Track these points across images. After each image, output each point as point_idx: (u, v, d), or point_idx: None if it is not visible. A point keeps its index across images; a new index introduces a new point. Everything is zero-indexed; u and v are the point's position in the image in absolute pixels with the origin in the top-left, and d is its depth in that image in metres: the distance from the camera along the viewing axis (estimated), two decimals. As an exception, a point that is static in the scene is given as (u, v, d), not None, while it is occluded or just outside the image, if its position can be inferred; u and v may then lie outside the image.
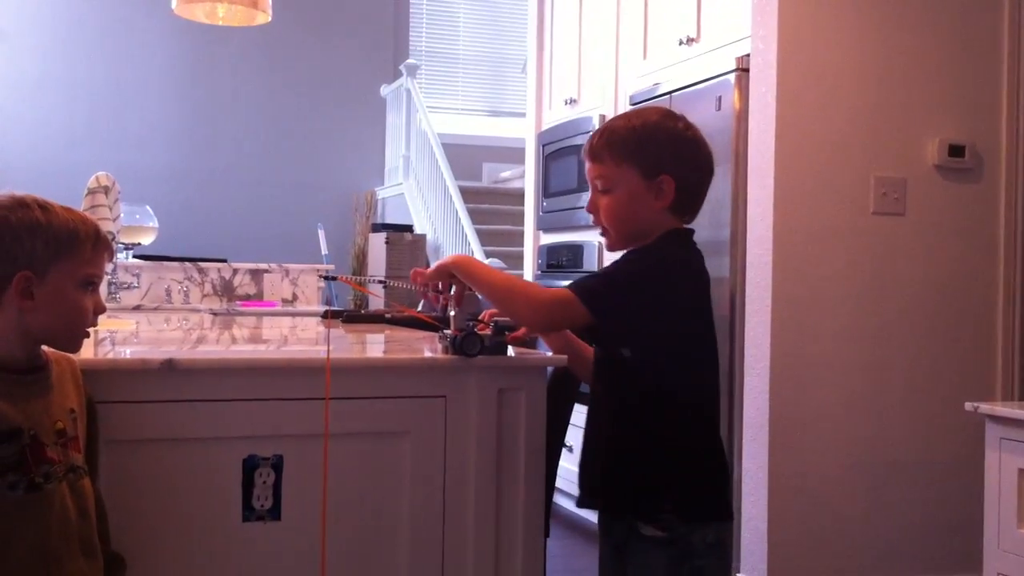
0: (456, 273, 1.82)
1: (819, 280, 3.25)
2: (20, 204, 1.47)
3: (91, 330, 1.56)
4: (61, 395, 1.51)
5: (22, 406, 1.44)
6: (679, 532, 1.75)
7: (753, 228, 3.30)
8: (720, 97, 3.51)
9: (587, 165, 1.84)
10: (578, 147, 4.67)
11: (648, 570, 1.77)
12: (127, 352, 2.07)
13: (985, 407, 2.62)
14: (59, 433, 1.47)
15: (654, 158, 1.77)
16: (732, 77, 3.45)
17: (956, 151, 3.39)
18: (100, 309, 1.54)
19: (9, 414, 1.41)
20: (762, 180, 3.26)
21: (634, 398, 1.81)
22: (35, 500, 1.42)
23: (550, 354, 2.01)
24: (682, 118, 1.85)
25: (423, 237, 7.10)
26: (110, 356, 1.93)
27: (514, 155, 7.89)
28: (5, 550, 1.41)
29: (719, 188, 3.12)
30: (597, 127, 4.45)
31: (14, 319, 1.45)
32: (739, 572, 3.29)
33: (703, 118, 3.63)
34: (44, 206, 1.48)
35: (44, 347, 1.52)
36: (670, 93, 3.85)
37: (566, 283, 1.81)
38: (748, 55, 3.39)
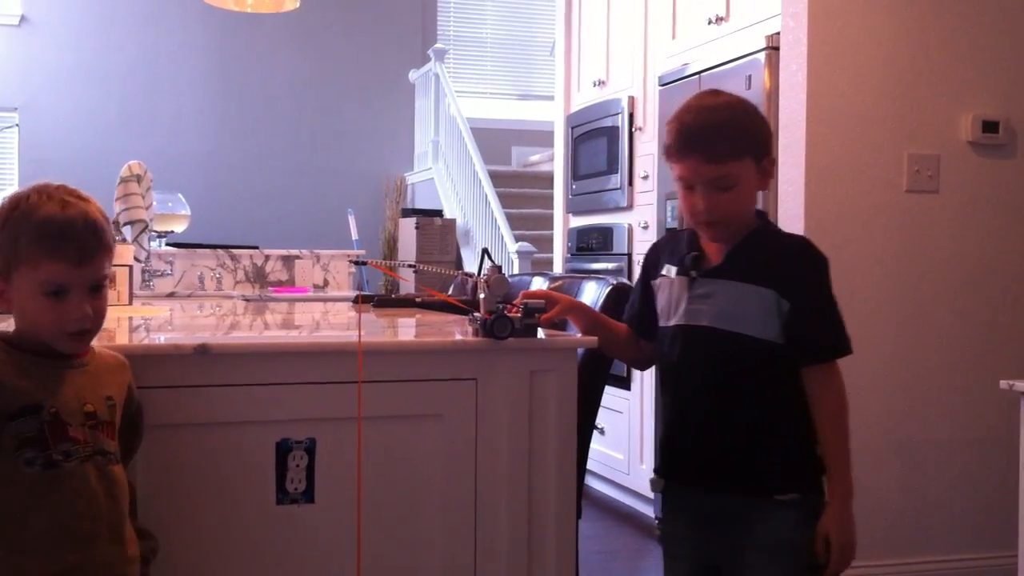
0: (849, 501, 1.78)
1: (852, 259, 3.22)
2: (16, 199, 1.48)
3: (128, 317, 1.56)
4: (98, 382, 1.50)
5: (46, 385, 1.44)
6: (808, 495, 1.78)
7: (785, 207, 3.28)
8: (750, 76, 3.48)
9: (690, 167, 1.75)
10: (607, 129, 4.66)
11: (786, 529, 1.76)
12: (161, 338, 2.09)
13: (1020, 385, 2.60)
14: (88, 415, 1.46)
15: (761, 142, 1.78)
16: (762, 56, 3.43)
17: (990, 127, 3.35)
18: (82, 316, 1.45)
19: (28, 390, 1.42)
20: (794, 159, 3.24)
21: (786, 381, 1.79)
22: (53, 478, 1.41)
23: (581, 336, 2.01)
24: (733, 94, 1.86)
25: (453, 222, 7.11)
26: (145, 342, 1.95)
27: (543, 138, 7.88)
28: (22, 525, 1.41)
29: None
30: (625, 109, 4.45)
31: (9, 311, 1.49)
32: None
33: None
34: (35, 204, 1.45)
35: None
36: (699, 73, 3.82)
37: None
38: (778, 33, 3.36)
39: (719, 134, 1.74)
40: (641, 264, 2.00)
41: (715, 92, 1.88)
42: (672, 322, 1.84)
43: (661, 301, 1.88)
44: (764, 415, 1.78)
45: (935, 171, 3.31)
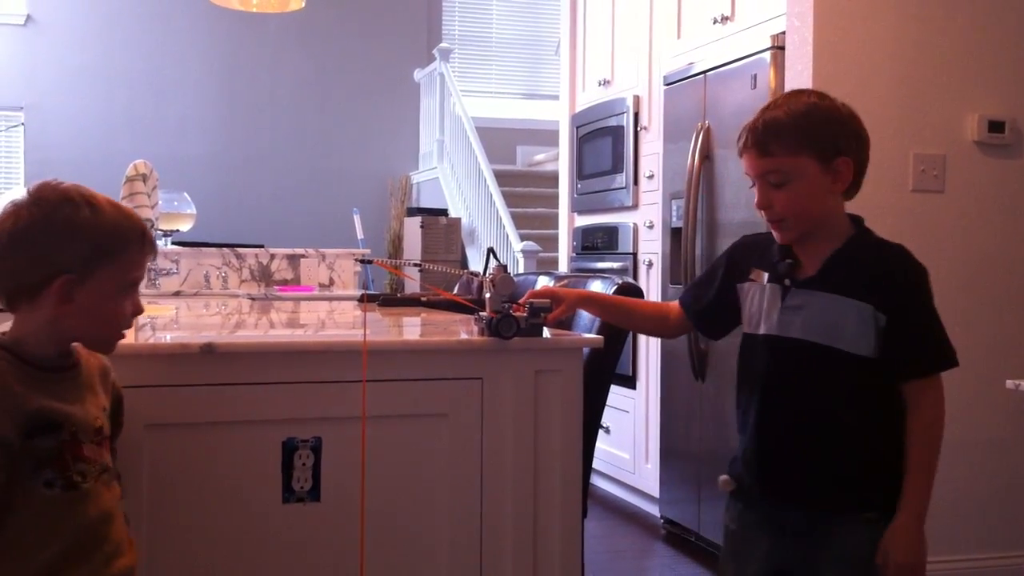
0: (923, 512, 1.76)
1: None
2: (66, 200, 1.40)
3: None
4: (94, 392, 1.47)
5: (63, 400, 1.40)
6: (890, 514, 1.75)
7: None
8: (755, 75, 3.48)
9: (750, 160, 1.76)
10: (612, 128, 4.66)
11: (865, 547, 1.73)
12: (167, 337, 2.09)
13: (1027, 385, 2.59)
14: (97, 431, 1.43)
15: (828, 140, 1.73)
16: (767, 55, 3.42)
17: (996, 127, 3.34)
18: (138, 310, 1.48)
19: (53, 408, 1.37)
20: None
21: (876, 397, 1.77)
22: (72, 499, 1.37)
23: (586, 336, 2.01)
24: (831, 96, 1.81)
25: (458, 221, 7.11)
26: (151, 341, 1.95)
27: (548, 138, 7.89)
28: (40, 548, 1.36)
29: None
30: (630, 108, 4.45)
31: (48, 319, 1.40)
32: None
33: (738, 97, 3.61)
34: (92, 203, 1.41)
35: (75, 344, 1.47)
36: (704, 72, 3.82)
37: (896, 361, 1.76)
38: (783, 32, 3.36)
39: (774, 129, 1.72)
40: (727, 257, 1.93)
41: (799, 91, 1.85)
42: (762, 331, 1.80)
43: (750, 307, 1.83)
44: (851, 431, 1.74)
45: (941, 171, 3.30)
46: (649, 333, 2.14)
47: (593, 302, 2.04)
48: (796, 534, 1.77)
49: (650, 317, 2.06)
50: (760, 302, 1.80)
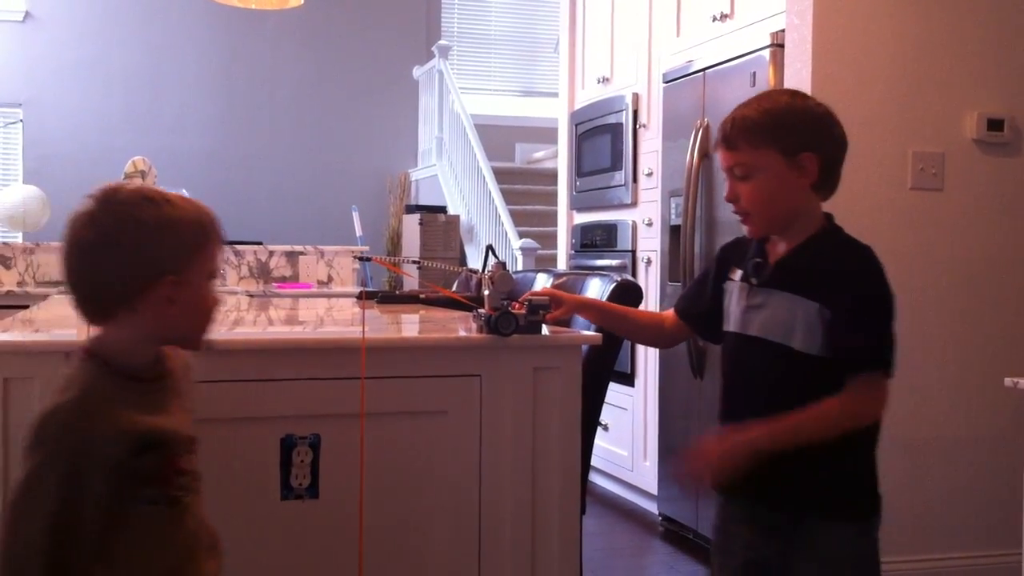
0: (760, 448, 1.72)
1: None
2: (145, 200, 1.35)
3: None
4: (181, 396, 1.43)
5: (163, 413, 1.36)
6: (859, 515, 1.79)
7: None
8: (754, 73, 3.48)
9: (720, 155, 1.80)
10: (611, 126, 4.66)
11: (844, 544, 1.76)
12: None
13: (1025, 383, 2.59)
14: (190, 441, 1.41)
15: (793, 136, 1.75)
16: (767, 53, 3.42)
17: (995, 125, 3.34)
18: (218, 301, 1.46)
19: (158, 426, 1.34)
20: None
21: None
22: (175, 515, 1.35)
23: (585, 333, 2.01)
24: (810, 96, 1.85)
25: (456, 218, 7.10)
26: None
27: (547, 135, 7.88)
28: (146, 567, 1.34)
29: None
30: (629, 106, 4.45)
31: (151, 325, 1.35)
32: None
33: (737, 95, 3.60)
34: (167, 199, 1.37)
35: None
36: (704, 70, 3.82)
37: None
38: (783, 30, 3.36)
39: (741, 125, 1.75)
40: (715, 260, 1.96)
41: (777, 91, 1.90)
42: (730, 328, 1.83)
43: (727, 305, 1.85)
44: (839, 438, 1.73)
45: (940, 169, 3.30)
46: (645, 343, 2.14)
47: (591, 308, 2.03)
48: (771, 528, 1.79)
49: (646, 326, 2.06)
50: (733, 300, 1.83)
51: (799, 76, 3.23)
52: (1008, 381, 2.63)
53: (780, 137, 1.74)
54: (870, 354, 1.72)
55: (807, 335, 1.70)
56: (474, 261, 7.43)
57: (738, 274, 1.84)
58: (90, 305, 1.36)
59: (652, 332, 2.06)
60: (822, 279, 1.72)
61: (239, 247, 5.00)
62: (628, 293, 2.29)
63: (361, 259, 2.75)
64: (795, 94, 1.84)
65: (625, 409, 4.48)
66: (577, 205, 5.10)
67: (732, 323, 1.83)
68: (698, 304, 1.94)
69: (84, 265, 1.34)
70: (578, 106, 5.14)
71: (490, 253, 2.19)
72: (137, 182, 1.35)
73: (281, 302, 3.58)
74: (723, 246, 1.97)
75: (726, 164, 1.78)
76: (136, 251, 1.33)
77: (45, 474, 1.28)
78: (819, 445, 1.72)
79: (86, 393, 1.32)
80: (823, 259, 1.76)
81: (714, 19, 3.83)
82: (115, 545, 1.31)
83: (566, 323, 2.05)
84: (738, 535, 1.84)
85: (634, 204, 4.50)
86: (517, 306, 1.87)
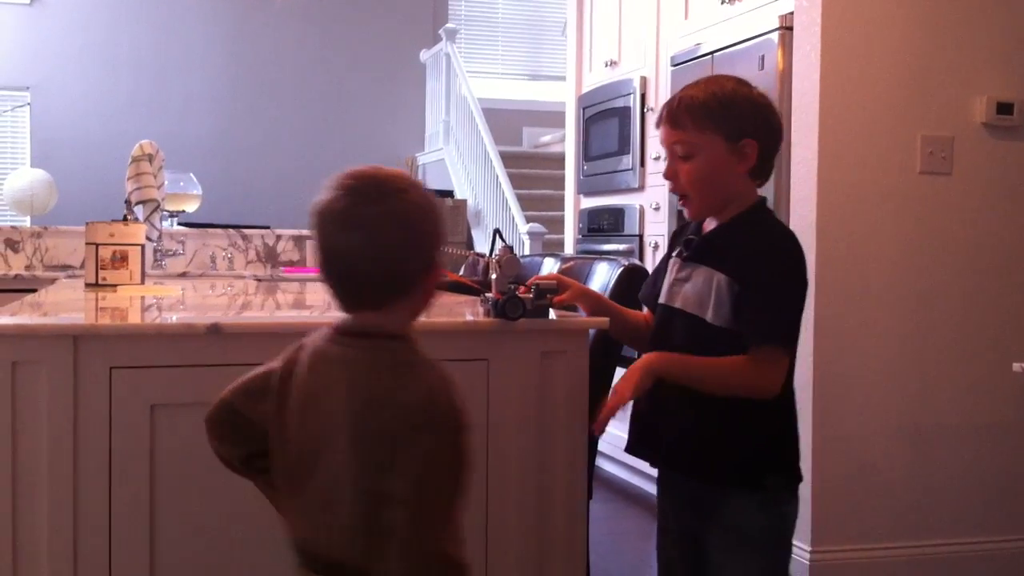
0: (663, 376, 1.77)
1: (864, 240, 3.21)
2: (424, 188, 1.39)
3: (140, 296, 1.54)
4: None
5: None
6: (768, 485, 1.82)
7: (797, 189, 3.26)
8: (763, 56, 3.46)
9: (662, 132, 1.85)
10: (619, 110, 4.64)
11: (747, 515, 1.80)
12: (173, 317, 2.09)
13: (1034, 368, 2.59)
14: None
15: (737, 122, 1.80)
16: (775, 36, 3.40)
17: (1004, 108, 3.32)
18: None
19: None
20: (806, 140, 3.22)
21: None
22: None
23: (592, 317, 2.00)
24: (754, 85, 1.89)
25: (464, 202, 7.10)
26: (157, 321, 1.96)
27: (554, 119, 7.86)
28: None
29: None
30: (637, 89, 4.44)
31: (414, 309, 1.39)
32: (783, 534, 3.28)
33: (746, 78, 3.58)
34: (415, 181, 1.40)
35: None
36: (712, 53, 3.80)
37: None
38: (791, 13, 3.34)
39: (687, 105, 1.81)
40: (668, 244, 2.04)
41: (722, 76, 1.95)
42: (660, 300, 1.91)
43: (664, 280, 1.93)
44: (726, 404, 1.77)
45: (949, 153, 3.28)
46: (628, 344, 2.13)
47: (592, 300, 2.03)
48: (690, 500, 1.87)
49: (633, 327, 2.04)
50: (667, 275, 1.91)
51: (808, 59, 3.22)
52: (1016, 366, 2.63)
53: (725, 121, 1.79)
54: (771, 328, 1.76)
55: (718, 307, 1.77)
56: (481, 245, 7.42)
57: (675, 251, 1.92)
58: (374, 292, 1.35)
59: (638, 333, 2.03)
60: (737, 253, 1.78)
61: (247, 231, 5.01)
62: (635, 277, 2.29)
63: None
64: (741, 82, 1.87)
65: (632, 393, 4.47)
66: (584, 189, 5.09)
67: (662, 295, 1.90)
68: (654, 287, 1.97)
69: (384, 253, 1.32)
70: (586, 89, 5.13)
71: (497, 237, 2.19)
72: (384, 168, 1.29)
73: (289, 286, 3.58)
74: (675, 229, 2.05)
75: (669, 141, 1.83)
76: (431, 239, 1.36)
77: (444, 456, 1.30)
78: (729, 415, 1.77)
79: (435, 367, 1.34)
80: (743, 236, 1.81)
81: (722, 2, 3.81)
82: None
83: (573, 308, 2.05)
84: (666, 508, 1.95)
85: (641, 188, 4.49)
86: (524, 290, 1.87)
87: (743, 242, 1.79)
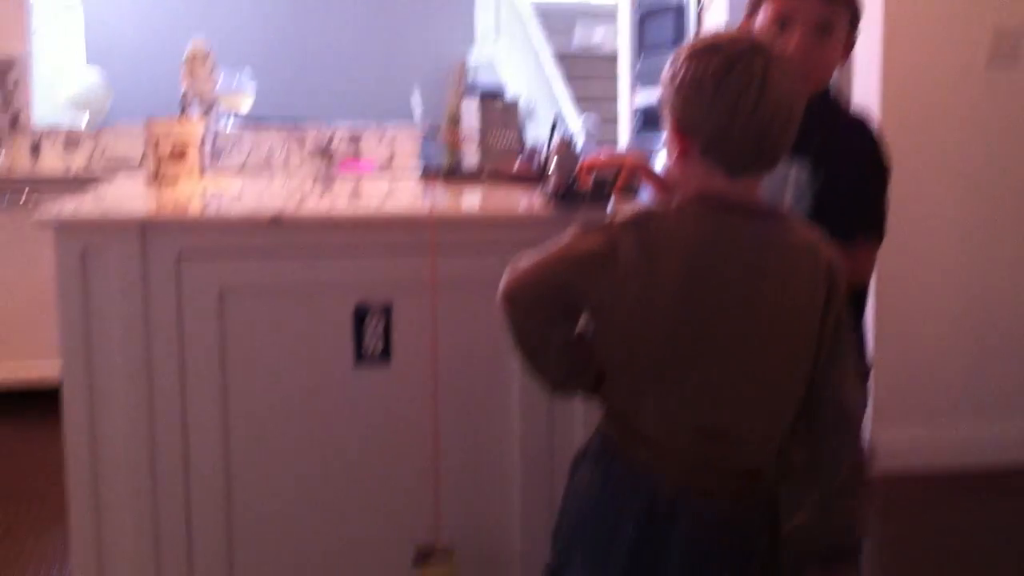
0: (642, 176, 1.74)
1: (931, 130, 3.15)
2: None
3: (203, 189, 1.56)
4: None
5: None
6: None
7: (860, 78, 3.20)
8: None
9: (812, 3, 1.69)
10: (673, 7, 4.55)
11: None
12: (235, 209, 2.12)
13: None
14: None
15: (857, 15, 1.73)
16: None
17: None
18: None
19: None
20: (868, 30, 3.14)
21: None
22: None
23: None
24: None
25: (515, 101, 7.02)
26: (220, 213, 1.98)
27: (606, 17, 7.72)
28: None
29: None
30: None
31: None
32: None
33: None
34: None
35: None
36: (773, -58, 3.69)
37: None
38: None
39: None
40: None
41: None
42: None
43: None
44: None
45: (1019, 43, 3.19)
46: None
47: (647, 174, 2.00)
48: None
49: None
50: None
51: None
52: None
53: (855, 10, 1.73)
54: (863, 220, 1.71)
55: (797, 200, 1.69)
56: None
57: None
58: (785, 149, 1.38)
59: None
60: (816, 144, 1.66)
61: (301, 127, 5.01)
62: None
63: (425, 137, 2.74)
64: None
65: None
66: (640, 82, 5.01)
67: None
68: None
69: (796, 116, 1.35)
70: (640, -16, 5.02)
71: (555, 128, 2.18)
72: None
73: (345, 180, 3.60)
74: None
75: (814, 12, 1.68)
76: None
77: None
78: None
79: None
80: (819, 126, 1.65)
81: None
82: None
83: (633, 192, 2.04)
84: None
85: (698, 83, 4.41)
86: (584, 175, 1.87)
87: (821, 133, 1.68)
